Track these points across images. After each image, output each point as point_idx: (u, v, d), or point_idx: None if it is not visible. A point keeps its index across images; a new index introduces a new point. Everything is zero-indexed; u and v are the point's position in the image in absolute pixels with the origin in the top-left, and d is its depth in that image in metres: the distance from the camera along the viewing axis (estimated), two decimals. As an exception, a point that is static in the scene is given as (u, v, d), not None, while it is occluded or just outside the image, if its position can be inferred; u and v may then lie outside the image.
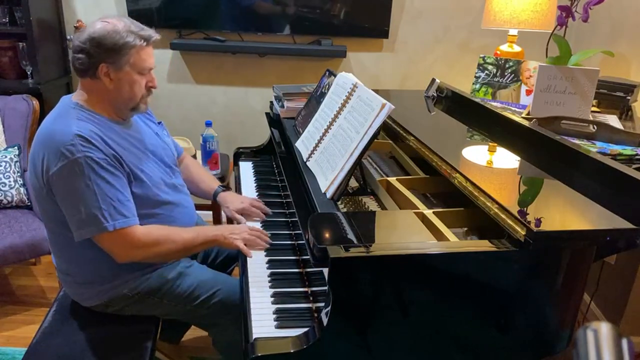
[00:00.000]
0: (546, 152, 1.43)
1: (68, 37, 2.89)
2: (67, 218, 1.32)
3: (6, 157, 2.34)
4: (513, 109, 2.02)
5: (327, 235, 1.06)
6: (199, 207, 1.82)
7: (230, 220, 1.72)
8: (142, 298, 1.48)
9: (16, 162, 2.36)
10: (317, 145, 1.50)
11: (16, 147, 2.40)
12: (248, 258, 1.44)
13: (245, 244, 1.46)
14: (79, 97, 1.41)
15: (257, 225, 1.61)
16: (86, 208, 1.28)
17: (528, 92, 2.06)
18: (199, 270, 1.56)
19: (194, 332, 2.05)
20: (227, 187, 1.80)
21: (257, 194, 1.83)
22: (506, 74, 2.13)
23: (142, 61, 1.38)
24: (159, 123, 1.68)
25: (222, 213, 1.88)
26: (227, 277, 1.59)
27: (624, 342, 0.40)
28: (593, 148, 1.55)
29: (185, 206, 1.58)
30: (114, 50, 1.33)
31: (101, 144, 1.32)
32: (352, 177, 1.44)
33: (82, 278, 1.47)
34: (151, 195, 1.45)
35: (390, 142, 1.79)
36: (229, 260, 1.83)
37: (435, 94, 2.02)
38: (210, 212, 2.67)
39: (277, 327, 1.17)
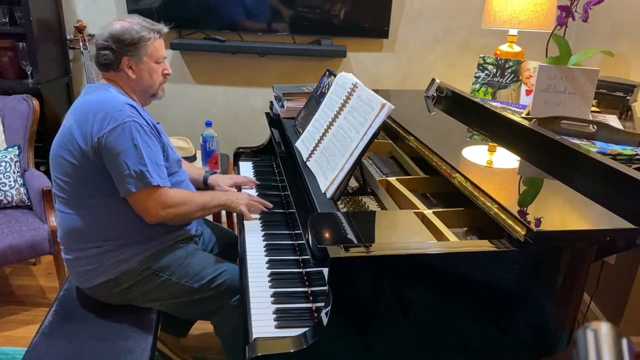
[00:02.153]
0: (546, 152, 1.44)
1: (68, 37, 2.89)
2: (114, 175, 1.44)
3: (6, 157, 2.34)
4: (513, 109, 2.02)
5: (327, 235, 1.06)
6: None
7: None
8: (151, 275, 1.52)
9: (16, 162, 2.36)
10: (317, 145, 1.50)
11: (16, 147, 2.40)
12: (248, 256, 1.46)
13: (248, 211, 1.65)
14: (107, 83, 1.56)
15: (257, 223, 1.64)
16: (134, 165, 1.42)
17: (528, 92, 2.06)
18: (206, 254, 1.65)
19: (195, 331, 2.06)
20: (214, 171, 1.99)
21: (257, 193, 1.83)
22: (506, 74, 2.13)
23: (157, 51, 1.56)
24: (157, 123, 1.73)
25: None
26: (232, 264, 1.65)
27: (624, 342, 0.40)
28: (593, 148, 1.55)
29: (191, 186, 1.74)
30: (132, 44, 1.51)
31: (144, 114, 1.50)
32: (352, 177, 1.44)
33: (99, 248, 1.50)
34: (173, 170, 1.60)
35: (390, 142, 1.79)
36: (228, 254, 1.88)
37: (435, 94, 2.02)
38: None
39: (277, 327, 1.17)
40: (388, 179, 1.42)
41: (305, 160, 1.52)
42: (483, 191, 1.13)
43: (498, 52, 2.41)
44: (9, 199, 2.31)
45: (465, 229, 1.27)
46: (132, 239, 1.52)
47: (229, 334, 1.59)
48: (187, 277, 1.54)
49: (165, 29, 1.59)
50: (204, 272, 1.55)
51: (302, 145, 1.60)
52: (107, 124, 1.41)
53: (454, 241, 1.09)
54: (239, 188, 1.87)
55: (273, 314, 1.21)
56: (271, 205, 1.69)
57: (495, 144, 1.53)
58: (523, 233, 0.98)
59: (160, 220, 1.49)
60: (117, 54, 1.50)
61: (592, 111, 1.89)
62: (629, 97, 1.94)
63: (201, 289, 1.54)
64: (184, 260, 1.56)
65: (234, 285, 1.54)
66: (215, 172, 1.98)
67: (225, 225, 2.44)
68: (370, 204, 1.39)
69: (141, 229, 1.51)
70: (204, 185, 1.91)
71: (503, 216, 1.04)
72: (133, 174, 1.41)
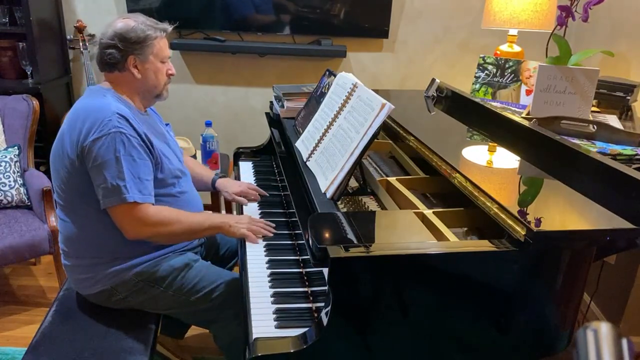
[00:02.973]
0: (546, 152, 1.43)
1: (68, 37, 2.89)
2: (95, 186, 1.40)
3: (6, 157, 2.34)
4: (513, 109, 2.02)
5: (327, 235, 1.06)
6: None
7: (228, 205, 1.83)
8: (147, 286, 1.50)
9: (16, 162, 2.36)
10: (317, 145, 1.50)
11: (16, 147, 2.40)
12: (248, 256, 1.45)
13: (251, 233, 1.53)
14: (108, 87, 1.52)
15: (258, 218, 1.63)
16: (111, 179, 1.37)
17: (528, 92, 2.06)
18: (204, 265, 1.60)
19: (195, 331, 2.06)
20: (223, 175, 1.94)
21: (259, 211, 1.82)
22: (506, 74, 2.13)
23: (162, 50, 1.53)
24: (167, 124, 1.73)
25: (221, 198, 2.03)
26: (230, 273, 1.62)
27: (624, 342, 0.40)
28: (593, 148, 1.55)
29: (194, 195, 1.68)
30: (138, 42, 1.47)
31: (136, 124, 1.43)
32: (352, 177, 1.43)
33: (95, 259, 1.49)
34: (169, 181, 1.54)
35: (390, 142, 1.79)
36: (230, 255, 1.87)
37: (435, 94, 2.02)
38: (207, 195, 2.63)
39: (277, 327, 1.17)
40: (388, 179, 1.42)
41: (305, 160, 1.52)
42: (483, 191, 1.13)
43: (498, 52, 2.41)
44: (9, 199, 2.31)
45: (465, 229, 1.27)
46: (127, 252, 1.48)
47: (227, 344, 1.58)
48: (183, 290, 1.51)
49: (169, 27, 1.55)
50: (200, 285, 1.52)
51: (302, 145, 1.60)
52: (92, 133, 1.37)
53: (454, 241, 1.09)
54: (240, 209, 1.76)
55: (273, 314, 1.21)
56: (273, 232, 1.54)
57: (495, 144, 1.52)
58: (523, 233, 0.98)
59: (139, 237, 1.44)
60: (123, 52, 1.46)
61: (592, 111, 1.88)
62: (629, 97, 1.94)
63: (198, 302, 1.51)
64: (180, 272, 1.52)
65: (231, 297, 1.50)
66: (224, 176, 1.93)
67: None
68: (370, 204, 1.39)
69: (136, 242, 1.47)
70: (212, 188, 1.87)
71: (503, 216, 1.04)
72: (109, 187, 1.37)
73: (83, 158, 1.39)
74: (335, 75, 1.64)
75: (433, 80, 2.05)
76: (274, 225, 1.57)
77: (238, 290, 1.48)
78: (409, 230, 1.13)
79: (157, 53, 1.51)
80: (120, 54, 1.46)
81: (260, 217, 1.66)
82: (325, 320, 1.02)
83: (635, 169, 1.23)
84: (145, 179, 1.43)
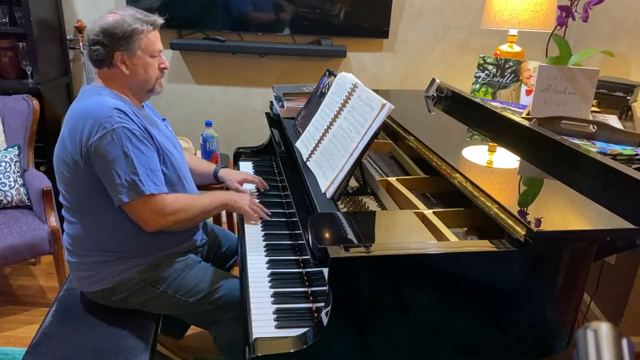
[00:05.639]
0: (546, 152, 1.43)
1: (68, 37, 2.89)
2: (106, 185, 1.39)
3: (6, 157, 2.34)
4: (513, 109, 2.02)
5: (327, 235, 1.06)
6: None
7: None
8: (147, 286, 1.50)
9: (16, 162, 2.36)
10: (317, 145, 1.50)
11: (16, 147, 2.40)
12: (248, 256, 1.45)
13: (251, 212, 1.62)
14: (101, 85, 1.50)
15: (258, 225, 1.63)
16: (125, 174, 1.36)
17: (528, 92, 2.06)
18: (205, 267, 1.60)
19: (195, 331, 2.06)
20: (224, 166, 1.95)
21: (257, 193, 1.83)
22: (506, 74, 2.13)
23: (151, 44, 1.48)
24: (164, 119, 1.73)
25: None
26: (231, 276, 1.62)
27: (624, 342, 0.40)
28: (593, 148, 1.55)
29: (195, 192, 1.69)
30: (124, 37, 1.43)
31: (135, 118, 1.42)
32: (352, 177, 1.44)
33: (100, 257, 1.48)
34: (174, 175, 1.54)
35: (390, 142, 1.79)
36: (231, 253, 1.88)
37: (435, 94, 2.02)
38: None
39: (277, 327, 1.17)
40: (388, 179, 1.42)
41: (305, 160, 1.52)
42: (483, 191, 1.13)
43: (498, 52, 2.41)
44: (9, 199, 2.31)
45: (465, 229, 1.27)
46: (132, 252, 1.48)
47: (227, 346, 1.58)
48: (182, 291, 1.51)
49: (160, 20, 1.50)
50: (200, 287, 1.52)
51: (302, 145, 1.60)
52: (95, 132, 1.35)
53: (454, 241, 1.09)
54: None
55: (273, 314, 1.21)
56: (270, 214, 1.65)
57: (495, 144, 1.52)
58: (523, 233, 0.98)
59: (160, 228, 1.44)
60: (109, 49, 1.42)
61: (592, 111, 1.89)
62: (629, 97, 1.94)
63: (197, 303, 1.51)
64: (181, 273, 1.52)
65: (232, 300, 1.50)
66: (225, 167, 1.94)
67: (225, 227, 2.44)
68: (370, 204, 1.39)
69: (142, 240, 1.47)
70: (214, 179, 1.88)
71: (503, 216, 1.04)
72: (125, 184, 1.36)
73: (89, 158, 1.37)
74: (335, 75, 1.64)
75: (433, 80, 2.05)
76: (270, 214, 1.65)
77: (238, 293, 1.49)
78: (409, 230, 1.13)
79: (145, 47, 1.46)
80: (105, 51, 1.43)
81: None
82: (325, 320, 1.02)
83: (635, 169, 1.23)
84: (157, 169, 1.43)
